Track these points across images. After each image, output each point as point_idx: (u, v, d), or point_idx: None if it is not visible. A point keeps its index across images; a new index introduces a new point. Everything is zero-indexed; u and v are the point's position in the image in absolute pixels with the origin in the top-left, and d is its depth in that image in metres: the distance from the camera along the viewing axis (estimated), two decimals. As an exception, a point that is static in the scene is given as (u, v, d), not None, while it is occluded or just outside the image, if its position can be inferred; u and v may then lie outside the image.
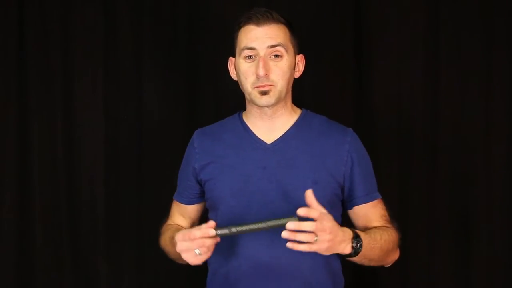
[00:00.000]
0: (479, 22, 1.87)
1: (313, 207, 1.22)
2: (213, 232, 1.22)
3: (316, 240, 1.20)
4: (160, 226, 1.54)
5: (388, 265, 1.46)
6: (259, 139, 1.43)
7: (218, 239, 1.25)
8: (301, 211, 1.20)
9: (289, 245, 1.19)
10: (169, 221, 1.56)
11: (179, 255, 1.31)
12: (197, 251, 1.24)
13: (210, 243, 1.24)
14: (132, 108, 1.96)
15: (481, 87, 1.88)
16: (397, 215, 1.88)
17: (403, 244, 1.89)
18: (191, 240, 1.23)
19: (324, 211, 1.22)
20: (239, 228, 1.22)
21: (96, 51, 1.95)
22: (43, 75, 1.94)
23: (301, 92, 1.91)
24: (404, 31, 1.90)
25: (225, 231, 1.23)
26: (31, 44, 1.93)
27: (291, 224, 1.17)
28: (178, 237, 1.26)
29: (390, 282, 1.92)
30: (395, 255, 1.45)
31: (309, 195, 1.22)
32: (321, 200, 1.33)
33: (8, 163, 1.93)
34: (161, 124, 1.96)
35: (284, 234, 1.18)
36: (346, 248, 1.27)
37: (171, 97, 1.97)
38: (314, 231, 1.19)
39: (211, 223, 1.24)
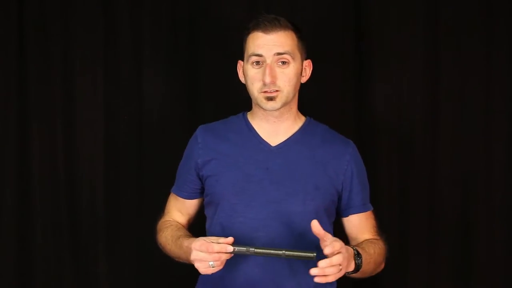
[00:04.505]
0: (479, 22, 1.87)
1: (322, 236, 1.25)
2: (230, 248, 1.25)
3: (340, 269, 1.24)
4: (156, 222, 1.55)
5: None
6: (264, 140, 1.45)
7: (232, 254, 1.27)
8: (328, 251, 1.22)
9: (317, 279, 1.22)
10: (166, 217, 1.56)
11: (183, 256, 1.36)
12: (211, 263, 1.26)
13: (226, 257, 1.26)
14: (132, 108, 1.96)
15: (481, 87, 1.88)
16: (397, 216, 1.91)
17: (403, 245, 1.90)
18: (208, 252, 1.25)
19: (336, 240, 1.25)
20: (257, 250, 1.25)
21: (96, 51, 1.95)
22: (43, 75, 1.94)
23: (300, 93, 1.92)
24: (404, 31, 1.90)
25: (242, 249, 1.26)
26: (31, 44, 1.93)
27: (322, 263, 1.21)
28: (195, 245, 1.27)
29: (390, 283, 1.92)
30: (382, 266, 1.49)
31: (316, 225, 1.25)
32: (320, 205, 1.40)
33: (8, 163, 1.93)
34: (161, 124, 1.96)
35: (314, 272, 1.21)
36: (350, 266, 1.30)
37: (171, 96, 1.97)
38: (340, 263, 1.23)
39: (230, 239, 1.27)
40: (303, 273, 1.37)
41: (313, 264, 1.25)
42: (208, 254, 1.25)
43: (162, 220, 1.56)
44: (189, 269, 1.55)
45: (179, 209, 1.56)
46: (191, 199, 1.54)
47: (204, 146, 1.48)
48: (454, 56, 1.88)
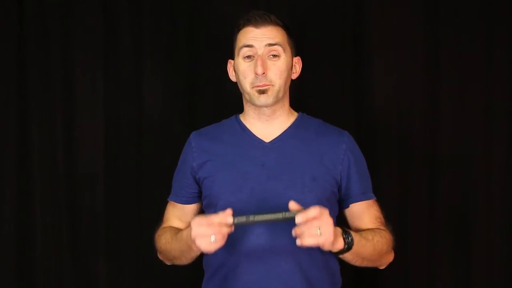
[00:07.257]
0: (479, 22, 1.87)
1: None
2: (231, 219, 1.22)
3: (320, 233, 1.21)
4: (154, 232, 1.53)
5: (383, 267, 1.48)
6: (257, 137, 1.46)
7: (233, 228, 1.25)
8: (299, 216, 1.21)
9: (298, 242, 1.21)
10: (165, 225, 1.54)
11: (184, 247, 1.34)
12: (212, 238, 1.22)
13: (226, 231, 1.24)
14: (132, 108, 1.96)
15: (481, 87, 1.88)
16: (397, 216, 1.91)
17: (403, 245, 1.90)
18: (208, 225, 1.23)
19: (318, 208, 1.23)
20: (256, 217, 1.22)
21: (96, 51, 1.95)
22: (43, 75, 1.94)
23: (300, 93, 1.92)
24: (404, 31, 1.90)
25: (242, 219, 1.22)
26: (31, 44, 1.93)
27: (299, 218, 1.20)
28: (195, 222, 1.24)
29: (390, 283, 1.92)
30: (389, 257, 1.47)
31: (292, 204, 1.24)
32: (321, 196, 1.38)
33: (8, 163, 1.93)
34: (161, 124, 1.96)
35: (294, 233, 1.22)
36: (339, 243, 1.29)
37: (171, 97, 1.97)
38: (318, 223, 1.21)
39: (229, 211, 1.24)
40: (310, 269, 1.37)
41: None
42: (208, 227, 1.22)
43: (161, 227, 1.54)
44: (189, 269, 1.56)
45: (178, 217, 1.54)
46: (189, 203, 1.52)
47: (198, 149, 1.48)
48: (454, 56, 1.88)
